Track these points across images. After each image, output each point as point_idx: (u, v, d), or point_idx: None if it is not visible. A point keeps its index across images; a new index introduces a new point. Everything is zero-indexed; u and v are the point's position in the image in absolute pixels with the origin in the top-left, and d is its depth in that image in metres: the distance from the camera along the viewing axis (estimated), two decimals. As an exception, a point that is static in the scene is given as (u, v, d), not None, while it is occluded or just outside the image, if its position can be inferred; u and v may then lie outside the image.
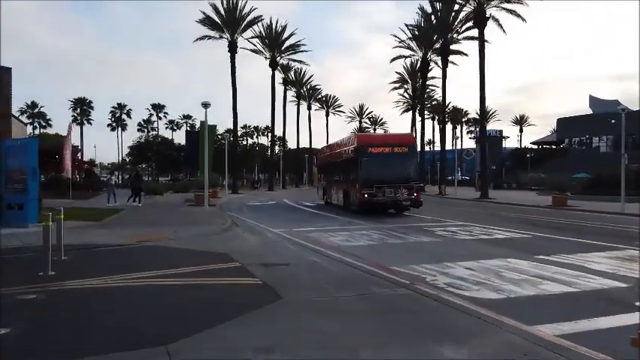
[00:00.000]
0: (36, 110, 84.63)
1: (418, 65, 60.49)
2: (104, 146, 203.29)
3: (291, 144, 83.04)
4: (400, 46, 49.82)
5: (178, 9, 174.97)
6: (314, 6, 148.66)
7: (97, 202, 26.14)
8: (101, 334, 4.84)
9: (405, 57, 51.33)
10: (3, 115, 15.66)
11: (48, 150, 40.20)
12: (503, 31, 35.77)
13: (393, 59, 51.81)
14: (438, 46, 45.91)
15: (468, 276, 7.75)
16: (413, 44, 49.29)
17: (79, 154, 58.20)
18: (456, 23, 41.59)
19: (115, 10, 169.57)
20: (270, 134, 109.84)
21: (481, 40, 34.94)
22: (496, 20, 34.95)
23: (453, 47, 43.84)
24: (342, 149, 22.73)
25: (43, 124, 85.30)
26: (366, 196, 18.68)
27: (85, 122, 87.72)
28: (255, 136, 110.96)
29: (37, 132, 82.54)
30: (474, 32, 37.78)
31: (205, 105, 21.59)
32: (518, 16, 33.84)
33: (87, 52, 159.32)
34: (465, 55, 46.13)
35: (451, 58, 44.24)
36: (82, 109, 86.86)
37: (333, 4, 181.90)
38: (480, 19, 34.64)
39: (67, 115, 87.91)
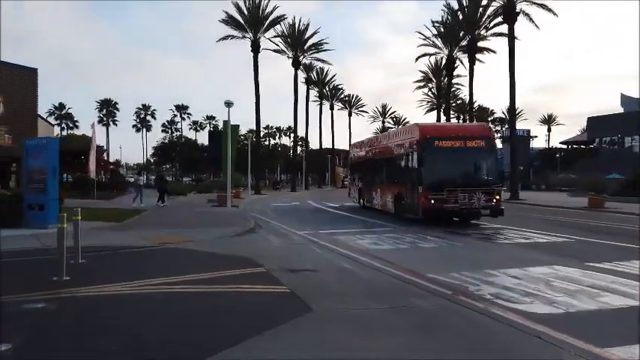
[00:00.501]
0: (63, 112, 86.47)
1: (443, 63, 59.56)
2: (129, 147, 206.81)
3: (313, 144, 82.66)
4: (425, 44, 48.67)
5: (201, 11, 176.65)
6: (335, 5, 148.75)
7: (121, 202, 26.06)
8: (114, 356, 4.32)
9: (430, 55, 50.26)
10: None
11: (74, 151, 40.78)
12: (536, 26, 34.56)
13: (418, 57, 50.76)
14: (464, 43, 44.75)
15: (514, 285, 7.02)
16: (438, 42, 48.12)
17: (104, 155, 58.88)
18: (483, 19, 40.38)
19: (139, 14, 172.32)
20: (292, 135, 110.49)
21: (511, 37, 33.80)
22: (527, 15, 33.78)
23: (480, 44, 42.63)
24: (392, 143, 19.00)
25: (71, 125, 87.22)
26: (432, 201, 14.88)
27: (111, 123, 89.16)
28: (277, 137, 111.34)
29: (64, 133, 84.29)
30: (502, 28, 36.68)
31: (228, 104, 21.23)
32: (550, 10, 32.63)
33: (112, 55, 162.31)
34: (493, 52, 44.89)
35: (478, 55, 43.15)
36: (107, 110, 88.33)
37: (353, 3, 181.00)
38: (510, 15, 33.51)
39: (94, 116, 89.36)
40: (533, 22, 34.23)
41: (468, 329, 5.11)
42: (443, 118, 57.13)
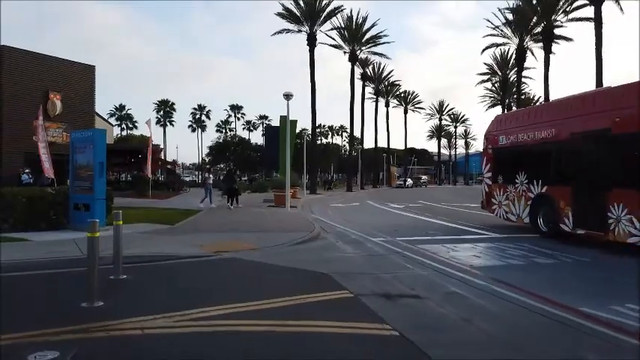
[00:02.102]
0: (123, 112, 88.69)
1: (510, 55, 55.55)
2: (184, 147, 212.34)
3: (367, 143, 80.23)
4: (493, 34, 45.32)
5: (253, 14, 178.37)
6: (384, 4, 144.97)
7: (176, 201, 25.09)
8: None
9: (498, 45, 46.75)
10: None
11: (133, 150, 40.86)
12: (621, 9, 30.71)
13: (485, 48, 47.39)
14: (537, 30, 41.03)
15: None
16: (507, 31, 44.58)
17: (161, 154, 59.39)
18: (561, 3, 36.62)
19: (194, 18, 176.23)
20: (346, 134, 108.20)
21: (598, 21, 30.14)
22: (616, -6, 29.98)
23: (556, 32, 38.80)
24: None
25: (130, 125, 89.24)
26: None
27: (168, 124, 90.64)
28: (329, 136, 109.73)
29: (124, 133, 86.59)
30: (584, 12, 33.01)
31: (287, 96, 19.51)
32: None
33: (169, 58, 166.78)
34: (570, 40, 40.90)
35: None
36: (165, 110, 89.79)
37: (403, 3, 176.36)
38: (597, -5, 29.87)
39: (152, 117, 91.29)
40: (619, 3, 30.46)
41: None
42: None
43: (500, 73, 59.30)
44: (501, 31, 44.62)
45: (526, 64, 48.89)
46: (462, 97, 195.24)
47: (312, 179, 41.76)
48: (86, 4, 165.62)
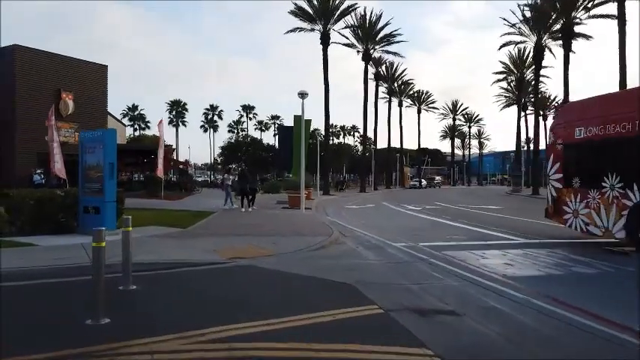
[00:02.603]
0: (136, 113, 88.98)
1: (527, 53, 54.49)
2: (196, 147, 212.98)
3: (379, 143, 79.44)
4: (510, 32, 44.40)
5: (265, 14, 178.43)
6: (396, 4, 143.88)
7: (188, 202, 24.73)
8: None
9: (516, 43, 45.84)
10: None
11: (145, 150, 40.67)
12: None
13: (502, 46, 46.59)
14: (556, 27, 40.06)
15: None
16: (525, 28, 43.62)
17: (173, 154, 59.25)
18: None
19: (206, 18, 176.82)
20: (358, 134, 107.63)
21: (621, 18, 29.19)
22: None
23: (576, 29, 37.80)
24: None
25: (143, 126, 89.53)
26: None
27: (180, 124, 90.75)
28: (341, 136, 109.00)
29: (137, 133, 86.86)
30: (606, 8, 32.05)
31: (302, 95, 18.97)
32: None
33: (182, 58, 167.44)
34: (590, 37, 39.86)
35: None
36: (177, 111, 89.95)
37: (415, 3, 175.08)
38: (621, -10, 28.92)
39: (164, 117, 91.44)
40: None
41: None
42: (524, 114, 52.09)
43: (516, 72, 58.18)
44: (519, 28, 43.75)
45: (544, 63, 47.93)
46: (475, 97, 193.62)
47: (325, 180, 41.19)
48: (99, 4, 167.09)
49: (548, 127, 39.04)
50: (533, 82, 59.86)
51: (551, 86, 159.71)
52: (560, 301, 6.08)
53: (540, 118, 75.36)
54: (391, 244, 11.36)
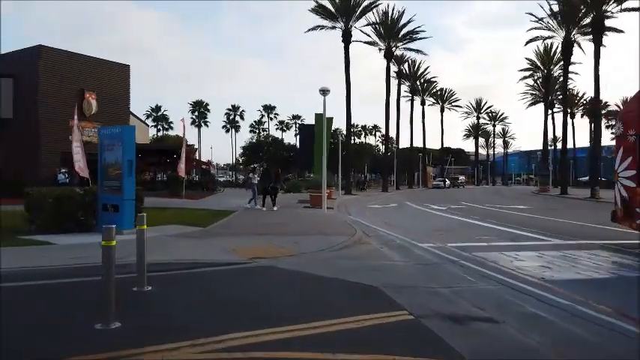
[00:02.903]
0: (159, 113, 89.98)
1: (554, 49, 53.01)
2: (218, 147, 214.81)
3: (401, 143, 78.41)
4: (537, 27, 43.09)
5: (285, 14, 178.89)
6: (416, 4, 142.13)
7: (210, 202, 24.62)
8: None
9: (544, 39, 44.35)
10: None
11: (168, 150, 40.90)
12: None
13: (529, 41, 45.11)
14: (586, 22, 38.73)
15: None
16: (553, 23, 42.29)
17: (196, 154, 59.63)
18: (614, -9, 34.34)
19: (227, 18, 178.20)
20: (379, 133, 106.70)
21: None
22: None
23: (607, 23, 36.41)
24: None
25: (166, 126, 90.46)
26: None
27: (202, 124, 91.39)
28: (362, 136, 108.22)
29: (160, 134, 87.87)
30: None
31: (324, 92, 18.59)
32: None
33: (203, 59, 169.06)
34: (620, 32, 38.36)
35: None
36: (199, 111, 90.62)
37: (434, 3, 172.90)
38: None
39: (187, 118, 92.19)
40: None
41: None
42: (551, 113, 50.61)
43: (543, 69, 56.63)
44: (547, 23, 42.39)
45: (572, 59, 46.50)
46: (499, 97, 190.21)
47: (347, 179, 40.72)
48: (122, 5, 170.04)
49: (576, 125, 37.48)
50: (560, 79, 58.28)
51: (580, 83, 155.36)
52: (609, 308, 5.54)
53: (568, 116, 73.59)
54: (417, 244, 10.88)
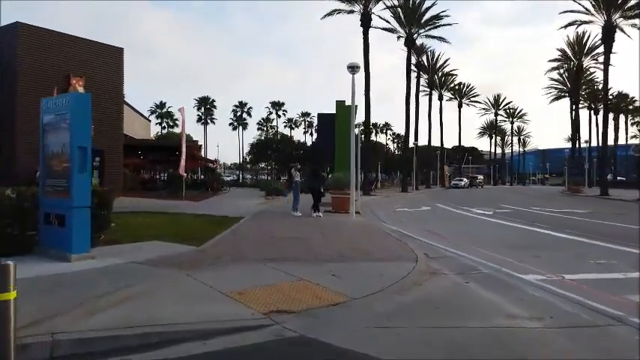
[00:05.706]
0: (164, 110, 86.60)
1: (587, 37, 49.03)
2: (225, 145, 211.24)
3: (418, 141, 74.35)
4: (571, 10, 39.18)
5: (294, 11, 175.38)
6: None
7: (212, 204, 21.12)
8: None
9: (580, 23, 40.31)
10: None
11: (172, 147, 37.46)
12: None
13: (565, 26, 41.20)
14: (631, 4, 34.85)
15: None
16: (590, 7, 38.28)
17: (200, 150, 56.19)
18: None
19: (234, 15, 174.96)
20: (390, 132, 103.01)
21: None
22: None
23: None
24: None
25: (171, 123, 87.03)
26: None
27: (209, 121, 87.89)
28: (373, 134, 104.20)
29: (164, 131, 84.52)
30: None
31: (353, 68, 14.82)
32: None
33: (209, 56, 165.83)
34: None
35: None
36: (205, 108, 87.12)
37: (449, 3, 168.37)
38: None
39: (193, 114, 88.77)
40: None
41: None
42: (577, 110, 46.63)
43: (574, 59, 52.56)
44: (584, 8, 38.39)
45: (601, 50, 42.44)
46: (513, 95, 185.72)
47: (366, 179, 37.03)
48: (130, 4, 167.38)
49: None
50: (594, 71, 54.21)
51: (614, 76, 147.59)
52: None
53: (592, 112, 69.25)
54: (515, 274, 7.24)
